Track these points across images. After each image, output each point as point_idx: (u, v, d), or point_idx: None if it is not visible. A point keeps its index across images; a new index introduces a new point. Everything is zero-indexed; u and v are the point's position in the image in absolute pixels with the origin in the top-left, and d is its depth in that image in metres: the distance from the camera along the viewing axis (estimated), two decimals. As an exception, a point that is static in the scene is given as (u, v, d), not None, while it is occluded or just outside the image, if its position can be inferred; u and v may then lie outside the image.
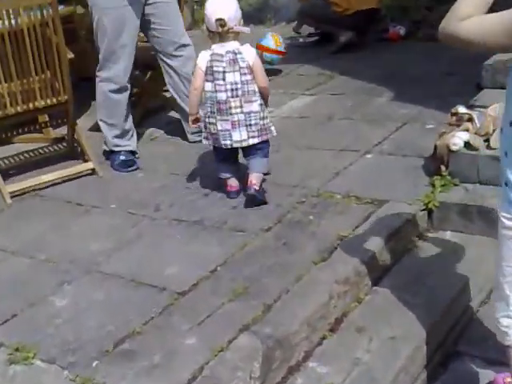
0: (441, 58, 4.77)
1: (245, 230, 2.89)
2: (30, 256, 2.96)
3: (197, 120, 3.29)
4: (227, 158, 3.25)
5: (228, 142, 3.16)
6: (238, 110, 3.09)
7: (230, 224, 2.97)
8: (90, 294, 2.60)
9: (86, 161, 3.85)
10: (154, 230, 3.04)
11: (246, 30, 3.18)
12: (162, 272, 2.67)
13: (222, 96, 3.10)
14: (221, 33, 3.07)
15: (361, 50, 5.47)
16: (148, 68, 4.49)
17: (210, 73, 3.13)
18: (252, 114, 3.10)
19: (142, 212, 3.22)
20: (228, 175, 3.27)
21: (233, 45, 3.12)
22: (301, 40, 6.05)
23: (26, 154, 4.17)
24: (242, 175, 3.27)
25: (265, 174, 3.25)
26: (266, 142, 3.19)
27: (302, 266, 2.55)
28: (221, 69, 3.10)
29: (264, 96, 3.17)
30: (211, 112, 3.16)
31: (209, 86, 3.15)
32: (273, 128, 3.23)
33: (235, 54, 3.10)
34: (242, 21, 3.18)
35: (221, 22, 3.05)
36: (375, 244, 2.64)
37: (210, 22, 3.07)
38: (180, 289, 2.53)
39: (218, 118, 3.13)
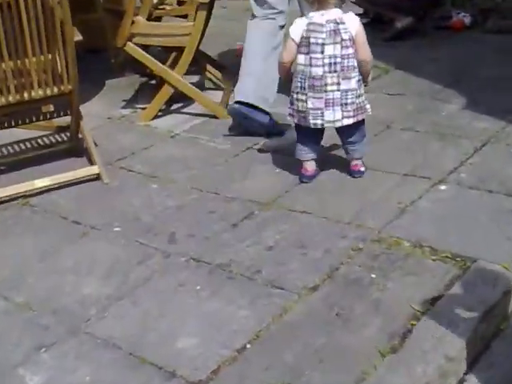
0: None
1: (284, 286, 2.14)
2: (4, 296, 2.25)
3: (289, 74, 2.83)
4: (312, 138, 2.82)
5: (319, 122, 2.72)
6: (335, 88, 2.66)
7: (265, 274, 2.21)
8: (72, 370, 1.88)
9: (91, 163, 3.19)
10: (165, 272, 2.29)
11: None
12: (172, 344, 1.93)
13: (318, 71, 2.66)
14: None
15: (418, 39, 4.65)
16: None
17: (305, 44, 2.69)
18: (349, 92, 2.67)
19: (152, 242, 2.48)
20: (308, 156, 2.84)
21: (335, 13, 2.66)
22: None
23: (23, 144, 3.43)
24: (321, 159, 2.85)
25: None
26: (362, 120, 2.77)
27: (364, 358, 1.80)
28: (320, 40, 2.65)
29: (364, 71, 2.72)
30: (301, 88, 2.72)
31: (302, 59, 2.72)
32: (368, 106, 2.77)
33: (337, 23, 2.64)
34: None
35: None
36: (466, 328, 1.87)
37: None
38: (194, 377, 1.80)
39: (310, 94, 2.69)
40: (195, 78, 4.21)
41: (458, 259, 2.17)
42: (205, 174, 3.03)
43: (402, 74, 4.07)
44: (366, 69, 2.72)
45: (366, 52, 2.69)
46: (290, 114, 2.83)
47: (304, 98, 2.70)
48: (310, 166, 2.83)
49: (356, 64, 2.66)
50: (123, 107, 3.96)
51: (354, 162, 2.81)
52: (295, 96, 2.75)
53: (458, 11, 4.87)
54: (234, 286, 2.18)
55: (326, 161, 2.93)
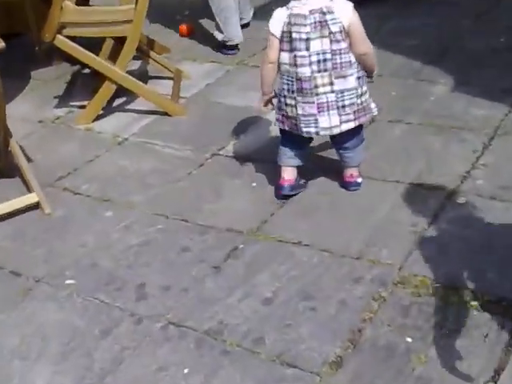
0: (499, 21, 3.55)
1: (297, 362, 1.61)
2: None
3: (269, 101, 2.32)
4: (298, 144, 2.31)
5: (312, 130, 2.22)
6: (328, 89, 2.16)
7: (270, 344, 1.67)
8: None
9: (26, 185, 2.54)
10: (139, 349, 1.71)
11: None
12: None
13: (305, 71, 2.15)
14: None
15: (381, 5, 4.04)
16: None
17: (287, 40, 2.17)
18: (346, 93, 2.17)
19: (116, 300, 1.90)
20: (289, 162, 2.33)
21: (318, 1, 2.12)
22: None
23: None
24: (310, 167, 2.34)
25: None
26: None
27: None
28: (303, 35, 2.13)
29: (367, 66, 2.20)
30: (289, 91, 2.22)
31: (285, 58, 2.20)
32: (373, 105, 2.27)
33: (323, 13, 2.12)
34: None
35: None
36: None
37: None
38: None
39: (299, 99, 2.19)
40: (136, 64, 3.55)
41: (507, 305, 1.72)
42: (167, 193, 2.44)
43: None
44: (369, 63, 2.19)
45: (364, 44, 2.16)
46: (277, 120, 2.30)
47: (293, 102, 2.19)
48: (288, 174, 2.31)
49: (353, 59, 2.14)
50: (56, 106, 3.25)
51: (348, 172, 2.29)
52: (283, 100, 2.23)
53: None
54: (232, 367, 1.63)
55: (316, 167, 2.40)
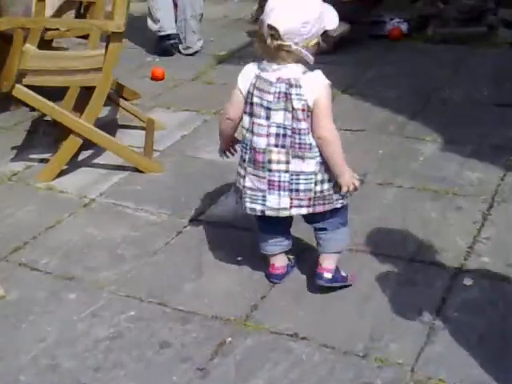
0: (480, 68, 3.44)
1: None
2: None
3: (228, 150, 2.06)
4: (274, 225, 1.97)
5: (258, 207, 1.89)
6: (282, 167, 1.85)
7: None
8: None
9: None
10: None
11: (310, 59, 1.79)
12: None
13: (261, 142, 1.85)
14: (269, 47, 1.77)
15: (356, 51, 3.93)
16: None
17: (249, 102, 1.86)
18: (302, 176, 1.84)
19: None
20: (276, 250, 2.02)
21: (291, 71, 1.80)
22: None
23: None
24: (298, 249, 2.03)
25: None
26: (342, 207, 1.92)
27: None
28: (265, 103, 1.83)
29: (326, 155, 1.81)
30: (242, 159, 1.93)
31: (246, 121, 1.90)
32: (336, 197, 1.85)
33: (290, 85, 1.79)
34: (313, 41, 1.78)
35: (271, 33, 1.75)
36: None
37: (263, 24, 1.79)
38: None
39: (250, 170, 1.89)
40: (104, 111, 3.22)
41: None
42: (141, 268, 2.12)
43: (352, 100, 3.32)
44: (328, 152, 1.79)
45: (323, 127, 1.78)
46: (234, 191, 1.99)
47: (242, 172, 1.90)
48: (280, 262, 2.02)
49: (314, 142, 1.80)
50: (13, 159, 2.91)
51: (320, 260, 1.94)
52: (238, 169, 1.93)
53: (391, 17, 4.26)
54: None
55: (306, 241, 2.12)
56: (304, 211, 1.85)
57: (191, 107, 3.39)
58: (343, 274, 1.96)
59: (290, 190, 1.83)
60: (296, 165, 1.81)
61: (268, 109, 1.80)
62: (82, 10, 3.60)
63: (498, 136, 2.78)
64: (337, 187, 1.85)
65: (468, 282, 1.91)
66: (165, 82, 3.80)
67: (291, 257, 2.07)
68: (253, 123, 1.83)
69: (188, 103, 3.44)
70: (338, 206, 1.87)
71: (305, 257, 2.07)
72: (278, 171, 1.82)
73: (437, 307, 1.82)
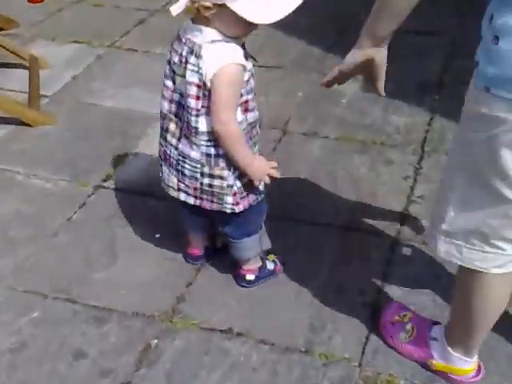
0: None
1: None
2: None
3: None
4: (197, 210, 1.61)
5: (164, 183, 1.60)
6: (173, 141, 1.52)
7: None
8: None
9: None
10: None
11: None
12: None
13: (163, 105, 1.51)
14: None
15: None
16: None
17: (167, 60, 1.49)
18: (188, 161, 1.49)
19: None
20: (193, 232, 1.72)
21: (202, 35, 1.37)
22: None
23: None
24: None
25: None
26: (245, 210, 1.54)
27: None
28: (171, 62, 1.46)
29: (222, 147, 1.44)
30: (161, 128, 1.56)
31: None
32: (230, 200, 1.50)
33: (191, 51, 1.38)
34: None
35: None
36: None
37: None
38: None
39: (162, 136, 1.57)
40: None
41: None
42: (41, 255, 1.77)
43: (262, 29, 3.01)
44: (225, 149, 1.44)
45: (217, 120, 1.38)
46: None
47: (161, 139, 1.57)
48: (198, 243, 1.74)
49: (202, 127, 1.42)
50: None
51: (240, 263, 1.69)
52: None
53: None
54: None
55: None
56: (191, 201, 1.54)
57: (80, 38, 2.89)
58: (269, 266, 1.72)
59: (177, 171, 1.52)
60: (184, 145, 1.48)
61: (173, 71, 1.44)
62: None
63: (421, 71, 2.57)
64: (237, 187, 1.50)
65: (407, 252, 1.76)
66: (45, 4, 3.22)
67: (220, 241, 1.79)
68: (164, 84, 1.47)
69: (75, 33, 2.94)
70: (227, 210, 1.52)
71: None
72: (171, 145, 1.51)
73: (379, 285, 1.66)
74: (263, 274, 1.70)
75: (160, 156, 1.57)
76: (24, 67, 2.60)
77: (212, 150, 1.45)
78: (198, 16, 1.36)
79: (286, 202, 1.92)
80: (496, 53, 1.01)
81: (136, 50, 2.76)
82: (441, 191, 1.26)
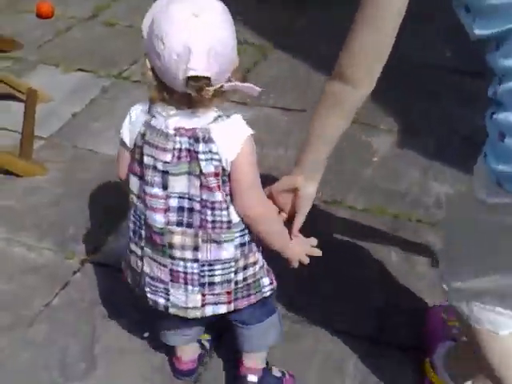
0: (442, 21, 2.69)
1: None
2: None
3: None
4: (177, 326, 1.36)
5: (161, 302, 1.27)
6: (189, 255, 1.20)
7: None
8: None
9: None
10: None
11: (255, 89, 1.11)
12: None
13: (157, 219, 1.19)
14: (190, 95, 1.08)
15: None
16: None
17: (138, 158, 1.19)
18: (218, 266, 1.21)
19: None
20: (177, 342, 1.43)
21: (196, 116, 1.12)
22: None
23: None
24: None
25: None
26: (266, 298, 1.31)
27: None
28: (159, 164, 1.15)
29: (257, 233, 1.21)
30: (135, 233, 1.25)
31: (134, 184, 1.22)
32: (266, 281, 1.27)
33: (195, 140, 1.12)
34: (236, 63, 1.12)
35: (196, 85, 1.05)
36: None
37: (169, 66, 1.04)
38: None
39: (148, 251, 1.24)
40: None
41: None
42: (12, 354, 1.48)
43: (286, 58, 2.63)
44: (262, 234, 1.22)
45: (249, 205, 1.17)
46: (124, 267, 1.35)
47: (139, 252, 1.26)
48: (188, 355, 1.45)
49: (234, 218, 1.19)
50: None
51: (243, 357, 1.41)
52: (128, 243, 1.29)
53: None
54: None
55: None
56: (223, 309, 1.25)
57: (86, 65, 2.58)
58: (276, 373, 1.43)
59: (202, 285, 1.22)
60: (208, 252, 1.20)
61: (165, 173, 1.15)
62: None
63: (468, 122, 2.18)
64: (266, 264, 1.27)
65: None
66: (54, 20, 2.93)
67: (206, 338, 1.50)
68: (144, 192, 1.18)
69: (82, 58, 2.62)
70: (268, 293, 1.28)
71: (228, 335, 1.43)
72: (183, 260, 1.20)
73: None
74: (268, 381, 1.40)
75: (151, 280, 1.23)
76: (21, 100, 2.35)
77: (246, 238, 1.22)
78: (187, 101, 1.09)
79: (298, 298, 1.59)
80: (503, 150, 0.91)
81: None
82: (450, 249, 1.17)
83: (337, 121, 1.14)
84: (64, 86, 2.45)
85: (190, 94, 1.07)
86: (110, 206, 1.90)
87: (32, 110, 2.23)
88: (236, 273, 1.23)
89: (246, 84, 1.11)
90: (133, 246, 1.27)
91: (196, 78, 1.04)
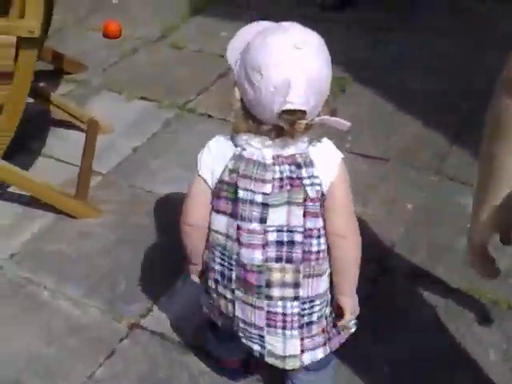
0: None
1: None
2: None
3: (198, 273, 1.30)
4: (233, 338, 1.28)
5: (256, 348, 1.21)
6: (289, 293, 1.15)
7: None
8: None
9: None
10: None
11: (345, 124, 1.09)
12: None
13: (255, 256, 1.14)
14: (282, 128, 1.07)
15: (373, 5, 2.88)
16: None
17: (227, 196, 1.14)
18: (317, 302, 1.17)
19: None
20: (233, 355, 1.39)
21: (295, 143, 1.11)
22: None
23: None
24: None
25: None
26: None
27: None
28: (258, 197, 1.11)
29: (340, 258, 1.15)
30: (223, 276, 1.19)
31: (221, 223, 1.17)
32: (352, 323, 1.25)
33: (298, 166, 1.11)
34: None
35: (291, 118, 1.04)
36: None
37: (264, 98, 1.03)
38: None
39: (239, 294, 1.18)
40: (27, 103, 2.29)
41: None
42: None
43: (367, 94, 2.35)
44: (346, 262, 1.15)
45: (344, 218, 1.13)
46: (205, 306, 1.30)
47: (229, 295, 1.18)
48: (231, 362, 1.40)
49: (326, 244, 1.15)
50: None
51: None
52: (212, 285, 1.21)
53: None
54: None
55: None
56: (320, 354, 1.19)
57: (150, 93, 2.40)
58: None
59: (301, 327, 1.16)
60: (309, 287, 1.14)
61: (265, 206, 1.10)
62: None
63: None
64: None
65: None
66: (121, 40, 2.77)
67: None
68: (238, 228, 1.12)
69: (146, 85, 2.45)
70: (353, 329, 1.23)
71: None
72: (283, 299, 1.14)
73: None
74: None
75: (245, 325, 1.18)
76: (81, 129, 2.21)
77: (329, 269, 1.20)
78: (276, 133, 1.07)
79: None
80: None
81: (211, 117, 2.25)
82: None
83: None
84: (126, 115, 2.29)
85: (281, 127, 1.05)
86: (165, 259, 1.71)
87: (92, 144, 2.10)
88: (328, 304, 1.19)
89: (335, 118, 1.09)
90: (221, 289, 1.20)
91: (291, 112, 1.03)
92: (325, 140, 1.13)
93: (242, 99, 1.06)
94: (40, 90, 2.18)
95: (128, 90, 2.41)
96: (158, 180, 2.01)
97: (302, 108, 1.02)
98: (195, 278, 1.30)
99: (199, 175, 1.14)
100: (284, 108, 1.01)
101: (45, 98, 2.14)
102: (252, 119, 1.06)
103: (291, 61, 1.00)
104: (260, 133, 1.08)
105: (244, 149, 1.10)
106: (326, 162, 1.11)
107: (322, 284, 1.15)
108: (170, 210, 1.82)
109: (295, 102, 1.01)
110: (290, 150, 1.09)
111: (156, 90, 2.41)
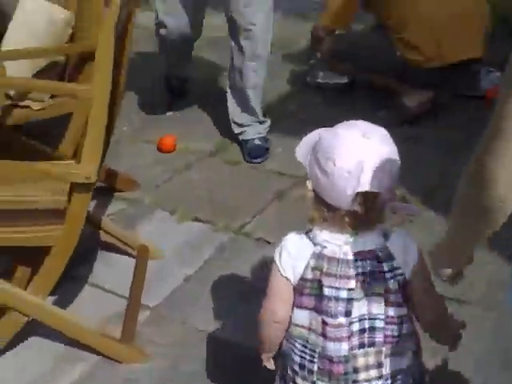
0: None
1: None
2: None
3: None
4: None
5: None
6: (373, 374, 1.18)
7: None
8: None
9: None
10: None
11: (415, 210, 1.43)
12: None
13: (341, 348, 1.16)
14: (356, 213, 1.13)
15: (446, 121, 2.70)
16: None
17: (310, 293, 1.18)
18: (400, 376, 1.20)
19: None
20: None
21: (372, 236, 1.16)
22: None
23: None
24: None
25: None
26: None
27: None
28: (343, 293, 1.15)
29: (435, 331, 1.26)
30: (302, 367, 1.20)
31: (303, 318, 1.20)
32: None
33: (378, 260, 1.16)
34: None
35: (365, 201, 1.11)
36: None
37: (338, 184, 1.10)
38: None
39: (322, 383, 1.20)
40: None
41: None
42: None
43: (442, 220, 2.05)
44: (437, 331, 1.25)
45: (433, 306, 1.21)
46: None
47: None
48: None
49: (411, 327, 1.21)
50: None
51: None
52: (290, 375, 1.22)
53: (489, 68, 2.91)
54: None
55: None
56: None
57: (203, 213, 2.26)
58: None
59: None
60: (392, 364, 1.19)
61: (350, 300, 1.15)
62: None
63: None
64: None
65: None
66: (174, 155, 2.66)
67: None
68: (324, 323, 1.16)
69: (200, 204, 2.31)
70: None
71: None
72: (368, 381, 1.19)
73: None
74: None
75: None
76: (130, 254, 2.09)
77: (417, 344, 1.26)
78: (350, 221, 1.13)
79: None
80: None
81: (269, 243, 2.07)
82: None
83: None
84: (178, 238, 2.14)
85: (355, 212, 1.09)
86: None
87: (142, 274, 1.95)
88: (410, 377, 1.20)
89: (405, 204, 1.23)
90: (299, 380, 1.21)
91: (365, 194, 1.08)
92: (397, 229, 1.20)
93: (314, 190, 1.14)
94: (89, 213, 2.10)
95: (180, 210, 2.28)
96: (210, 317, 1.81)
97: (375, 190, 1.08)
98: (271, 366, 1.31)
99: (282, 275, 1.18)
100: (358, 190, 1.07)
101: (94, 223, 2.05)
102: (326, 207, 1.12)
103: (363, 147, 1.08)
104: (335, 222, 1.13)
105: (325, 246, 1.15)
106: (406, 252, 1.16)
107: (404, 361, 1.19)
108: (222, 353, 1.67)
109: (368, 183, 1.06)
110: (368, 245, 1.14)
111: (209, 210, 2.28)
